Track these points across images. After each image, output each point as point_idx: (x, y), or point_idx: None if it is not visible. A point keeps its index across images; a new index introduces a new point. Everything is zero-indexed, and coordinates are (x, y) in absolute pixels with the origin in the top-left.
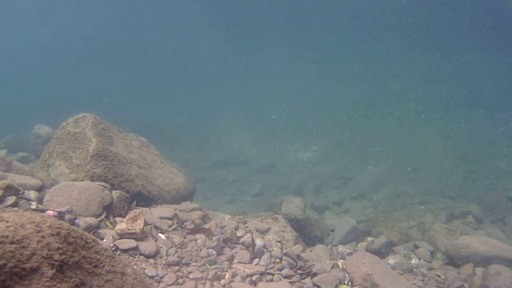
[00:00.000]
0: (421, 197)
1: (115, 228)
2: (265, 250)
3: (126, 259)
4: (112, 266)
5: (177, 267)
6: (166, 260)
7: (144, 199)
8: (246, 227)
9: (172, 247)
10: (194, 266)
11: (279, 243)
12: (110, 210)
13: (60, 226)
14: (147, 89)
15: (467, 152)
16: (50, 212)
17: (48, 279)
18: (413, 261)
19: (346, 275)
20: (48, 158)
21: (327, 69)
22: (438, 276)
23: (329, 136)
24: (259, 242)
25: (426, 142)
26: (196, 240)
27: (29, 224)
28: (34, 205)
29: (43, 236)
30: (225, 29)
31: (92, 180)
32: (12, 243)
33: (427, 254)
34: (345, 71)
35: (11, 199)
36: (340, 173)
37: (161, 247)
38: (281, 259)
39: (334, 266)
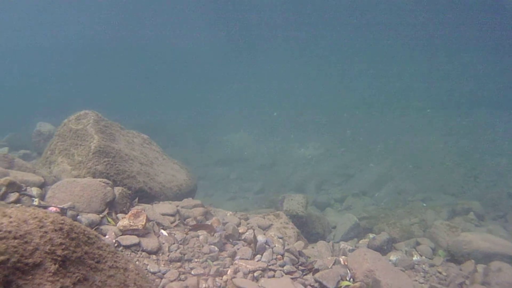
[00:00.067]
0: (422, 194)
1: (117, 225)
2: (267, 246)
3: (129, 255)
4: (115, 261)
5: (179, 263)
6: (168, 256)
7: (146, 196)
8: (248, 224)
9: (174, 243)
10: (196, 262)
11: (281, 240)
12: (112, 207)
13: (62, 221)
14: (147, 89)
15: (468, 149)
16: (52, 209)
17: (51, 274)
18: (414, 258)
19: (348, 271)
20: (50, 155)
21: (327, 67)
22: (440, 272)
23: (330, 134)
24: (261, 238)
25: (427, 139)
26: (198, 236)
27: (32, 219)
28: (36, 201)
29: (46, 232)
30: (225, 29)
31: (94, 177)
32: (15, 238)
33: (428, 251)
34: (345, 70)
35: (13, 196)
36: (342, 171)
37: (163, 243)
38: (283, 255)
39: (336, 262)
